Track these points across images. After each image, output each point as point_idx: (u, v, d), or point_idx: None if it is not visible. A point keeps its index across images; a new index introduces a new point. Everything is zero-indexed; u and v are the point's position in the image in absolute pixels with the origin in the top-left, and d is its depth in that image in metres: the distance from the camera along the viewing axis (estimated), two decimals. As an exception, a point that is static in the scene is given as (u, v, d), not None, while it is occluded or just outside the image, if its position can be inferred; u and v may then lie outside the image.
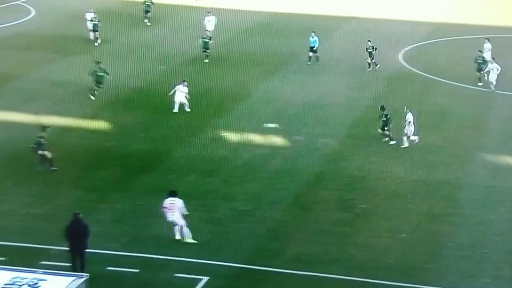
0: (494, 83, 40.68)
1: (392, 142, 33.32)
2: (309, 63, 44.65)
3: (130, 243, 24.62)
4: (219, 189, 28.99)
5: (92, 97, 37.54)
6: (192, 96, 38.68)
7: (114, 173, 29.96)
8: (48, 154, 29.49)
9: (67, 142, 32.65)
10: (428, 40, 51.42)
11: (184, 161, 31.44)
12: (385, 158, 32.03)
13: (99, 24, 47.37)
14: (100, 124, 34.91)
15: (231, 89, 40.54)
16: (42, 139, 29.62)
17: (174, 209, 24.42)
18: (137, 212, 26.82)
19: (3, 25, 50.43)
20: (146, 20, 52.92)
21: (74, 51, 45.44)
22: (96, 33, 47.35)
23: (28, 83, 39.99)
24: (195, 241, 24.49)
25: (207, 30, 47.21)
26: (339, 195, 28.84)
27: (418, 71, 39.80)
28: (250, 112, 37.03)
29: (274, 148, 33.10)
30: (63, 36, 48.84)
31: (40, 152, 29.42)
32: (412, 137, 33.36)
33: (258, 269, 23.40)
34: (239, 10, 58.53)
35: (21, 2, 56.97)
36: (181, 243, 24.46)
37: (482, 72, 41.53)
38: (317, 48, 44.82)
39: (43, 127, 30.36)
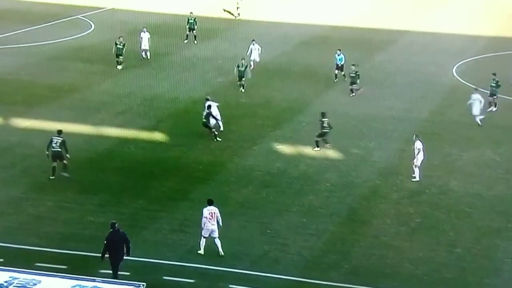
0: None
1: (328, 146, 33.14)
2: (335, 80, 43.64)
3: (187, 253, 24.61)
4: (276, 200, 28.84)
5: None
6: (250, 108, 38.79)
7: (173, 183, 30.03)
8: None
9: (129, 152, 32.91)
10: (483, 54, 50.64)
11: (242, 172, 31.38)
12: (443, 172, 31.52)
13: (147, 40, 47.20)
14: (160, 136, 35.09)
15: (289, 101, 40.42)
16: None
17: (214, 218, 24.37)
18: (195, 222, 26.74)
19: (66, 39, 51.17)
20: (194, 40, 51.61)
21: (134, 64, 45.85)
22: (147, 52, 47.29)
23: (91, 95, 40.43)
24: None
25: (251, 60, 44.80)
26: (396, 209, 28.44)
27: (473, 86, 39.17)
28: (307, 124, 36.81)
29: (330, 161, 32.81)
30: (128, 49, 49.24)
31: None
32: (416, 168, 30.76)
33: (314, 282, 23.16)
34: (297, 24, 58.55)
35: (81, 16, 57.79)
36: (236, 255, 24.37)
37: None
38: (343, 65, 43.85)
39: (59, 131, 30.48)
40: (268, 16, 60.87)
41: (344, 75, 43.49)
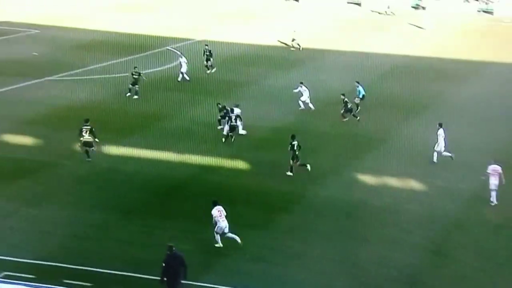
0: None
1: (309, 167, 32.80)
2: (357, 112, 42.34)
3: (269, 283, 23.97)
4: (356, 231, 27.99)
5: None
6: (330, 137, 38.10)
7: (254, 211, 29.56)
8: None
9: (210, 180, 32.65)
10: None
11: (321, 202, 30.66)
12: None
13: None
14: (242, 163, 34.75)
15: (371, 131, 39.58)
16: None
17: (223, 215, 26.12)
18: (277, 251, 26.26)
19: (156, 69, 51.61)
20: (208, 70, 51.17)
21: (219, 93, 45.84)
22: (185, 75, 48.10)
23: (177, 123, 40.50)
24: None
25: (301, 100, 43.12)
26: (480, 243, 27.18)
27: None
28: (389, 155, 35.86)
29: (413, 192, 31.79)
30: (214, 79, 49.59)
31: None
32: (445, 153, 33.71)
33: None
34: (376, 54, 57.80)
35: (170, 47, 58.40)
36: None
37: None
38: (363, 96, 43.01)
39: (86, 120, 34.09)
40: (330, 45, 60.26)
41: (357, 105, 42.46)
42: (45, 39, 61.12)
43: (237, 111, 38.41)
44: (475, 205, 30.38)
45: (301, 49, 59.23)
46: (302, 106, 42.98)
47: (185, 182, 32.40)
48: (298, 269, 24.88)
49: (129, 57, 54.11)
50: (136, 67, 46.04)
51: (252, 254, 26.08)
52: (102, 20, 71.06)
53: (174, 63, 52.90)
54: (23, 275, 23.57)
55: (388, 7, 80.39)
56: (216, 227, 26.17)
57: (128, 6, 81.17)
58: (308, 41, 61.73)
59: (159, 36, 62.36)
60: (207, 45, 53.08)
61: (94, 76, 48.94)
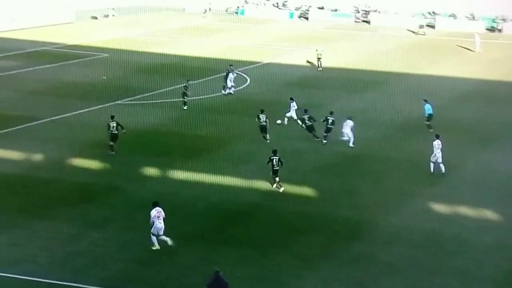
0: None
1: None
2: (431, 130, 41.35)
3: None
4: (426, 262, 26.78)
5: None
6: (401, 162, 36.99)
7: (319, 239, 28.64)
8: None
9: (273, 206, 31.92)
10: None
11: (390, 231, 29.52)
12: None
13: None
14: (307, 190, 33.86)
15: (444, 157, 38.26)
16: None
17: (161, 217, 27.03)
18: (342, 281, 25.27)
19: (220, 93, 51.28)
20: (224, 90, 50.92)
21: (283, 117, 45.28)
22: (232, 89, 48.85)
23: (241, 146, 39.95)
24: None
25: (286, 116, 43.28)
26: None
27: None
28: (462, 183, 34.51)
29: (485, 221, 30.42)
30: (280, 102, 48.95)
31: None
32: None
33: None
34: (447, 77, 56.52)
35: (238, 71, 58.21)
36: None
37: None
38: (430, 115, 42.00)
39: (112, 116, 38.01)
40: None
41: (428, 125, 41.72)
42: (114, 62, 61.70)
43: (349, 123, 39.50)
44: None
45: (320, 69, 59.34)
46: (285, 122, 43.26)
47: (247, 208, 31.73)
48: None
49: (197, 81, 54.04)
50: (189, 80, 47.87)
51: (315, 284, 25.11)
52: (172, 43, 71.57)
53: (242, 87, 52.63)
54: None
55: (421, 27, 79.72)
56: (153, 228, 27.01)
57: (195, 29, 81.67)
58: (377, 64, 60.83)
59: (225, 59, 62.30)
60: (231, 65, 53.15)
61: (163, 100, 48.93)
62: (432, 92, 50.29)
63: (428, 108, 42.51)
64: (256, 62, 62.28)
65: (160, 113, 46.22)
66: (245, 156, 38.19)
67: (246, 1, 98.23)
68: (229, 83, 51.33)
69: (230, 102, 49.41)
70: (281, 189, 33.28)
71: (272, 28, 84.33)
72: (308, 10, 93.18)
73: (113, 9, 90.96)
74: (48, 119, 44.04)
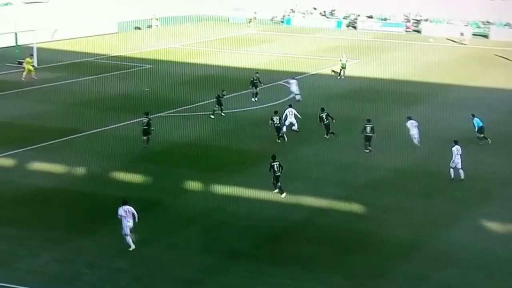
0: None
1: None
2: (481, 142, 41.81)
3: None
4: (482, 284, 26.47)
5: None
6: (453, 178, 36.53)
7: (370, 259, 28.43)
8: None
9: (322, 223, 31.80)
10: None
11: (444, 250, 29.18)
12: None
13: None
14: (356, 206, 33.67)
15: (498, 172, 37.82)
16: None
17: (129, 216, 28.10)
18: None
19: (268, 104, 51.39)
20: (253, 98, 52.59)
21: (338, 131, 45.10)
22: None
23: (286, 162, 39.70)
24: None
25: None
26: None
27: None
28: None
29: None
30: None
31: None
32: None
33: None
34: (498, 89, 55.83)
35: (283, 81, 58.24)
36: None
37: None
38: (480, 128, 41.87)
39: (147, 113, 42.00)
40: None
41: (479, 138, 41.95)
42: (157, 74, 62.27)
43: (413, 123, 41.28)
44: None
45: (341, 77, 60.05)
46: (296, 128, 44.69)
47: (295, 225, 31.64)
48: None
49: (240, 92, 54.23)
50: (224, 90, 48.87)
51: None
52: (215, 54, 71.98)
53: (286, 99, 52.63)
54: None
55: (462, 34, 79.14)
56: (123, 228, 28.19)
57: (240, 39, 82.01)
58: (428, 75, 60.32)
59: (270, 70, 62.48)
60: (257, 73, 54.05)
61: (206, 112, 49.16)
62: (486, 105, 49.76)
63: (477, 122, 42.19)
64: (302, 73, 62.23)
65: (204, 126, 46.44)
66: (291, 172, 37.99)
67: (292, 10, 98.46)
68: (294, 90, 52.75)
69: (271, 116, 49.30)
70: (283, 195, 33.93)
71: (319, 38, 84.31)
72: (356, 19, 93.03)
73: (156, 19, 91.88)
74: (90, 132, 44.57)
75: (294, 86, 52.91)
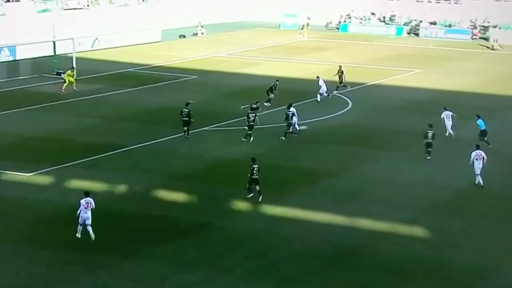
0: None
1: None
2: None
3: None
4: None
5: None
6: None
7: (433, 287, 27.96)
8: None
9: (381, 248, 31.45)
10: None
11: (516, 279, 28.67)
12: None
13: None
14: (420, 231, 33.23)
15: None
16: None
17: (89, 207, 31.28)
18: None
19: (319, 118, 51.21)
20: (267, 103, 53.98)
21: (396, 147, 44.72)
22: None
23: (344, 180, 39.64)
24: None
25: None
26: None
27: None
28: None
29: None
30: (385, 130, 48.55)
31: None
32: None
33: None
34: None
35: (336, 92, 58.05)
36: None
37: None
38: (482, 132, 43.41)
39: (187, 103, 47.14)
40: None
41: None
42: (203, 85, 62.65)
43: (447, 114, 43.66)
44: None
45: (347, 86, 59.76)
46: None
47: (350, 250, 31.36)
48: None
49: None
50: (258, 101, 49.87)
51: None
52: (265, 63, 72.14)
53: (342, 111, 52.44)
54: None
55: (495, 41, 77.97)
56: (79, 218, 31.05)
57: (291, 47, 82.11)
58: (496, 87, 59.57)
59: (328, 81, 62.31)
60: (278, 81, 55.78)
61: (255, 126, 49.18)
62: None
63: (481, 124, 43.69)
64: (359, 84, 62.00)
65: (255, 141, 46.40)
66: (347, 191, 37.84)
67: (348, 16, 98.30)
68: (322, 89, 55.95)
69: (328, 129, 49.23)
70: (260, 198, 35.77)
71: (378, 46, 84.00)
72: (418, 26, 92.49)
73: (202, 26, 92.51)
74: (133, 147, 44.91)
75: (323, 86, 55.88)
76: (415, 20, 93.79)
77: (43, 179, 39.27)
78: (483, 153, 38.25)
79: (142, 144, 45.15)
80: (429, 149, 42.21)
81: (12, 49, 72.24)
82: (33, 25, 76.55)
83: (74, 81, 59.83)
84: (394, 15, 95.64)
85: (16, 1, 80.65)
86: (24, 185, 38.26)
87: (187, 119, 45.92)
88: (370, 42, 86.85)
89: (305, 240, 32.13)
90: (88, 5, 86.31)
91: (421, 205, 36.20)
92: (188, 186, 38.49)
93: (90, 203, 31.43)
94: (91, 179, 38.88)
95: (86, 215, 31.19)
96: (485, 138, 44.02)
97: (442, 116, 46.06)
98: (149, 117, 51.82)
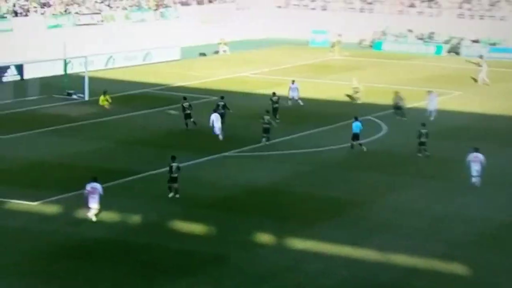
0: None
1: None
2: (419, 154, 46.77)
3: None
4: None
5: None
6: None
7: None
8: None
9: (416, 285, 31.36)
10: None
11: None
12: None
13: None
14: (457, 267, 33.08)
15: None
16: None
17: (95, 193, 34.89)
18: None
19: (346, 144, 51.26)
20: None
21: (428, 174, 44.59)
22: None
23: (374, 211, 39.60)
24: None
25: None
26: None
27: None
28: None
29: None
30: (418, 156, 48.54)
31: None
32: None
33: None
34: None
35: (372, 116, 58.09)
36: None
37: None
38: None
39: (184, 97, 54.85)
40: None
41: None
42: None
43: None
44: None
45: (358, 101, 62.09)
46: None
47: None
48: None
49: (317, 129, 54.36)
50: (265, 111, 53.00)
51: None
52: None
53: (376, 136, 52.44)
54: None
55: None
56: (88, 203, 35.32)
57: (320, 67, 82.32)
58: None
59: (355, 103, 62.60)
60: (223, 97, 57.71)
61: (280, 152, 49.34)
62: None
63: (356, 126, 46.99)
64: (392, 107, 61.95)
65: (276, 168, 46.55)
66: (380, 223, 37.78)
67: (384, 33, 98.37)
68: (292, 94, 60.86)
69: (360, 155, 49.21)
70: (177, 196, 39.66)
71: (415, 65, 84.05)
72: (459, 44, 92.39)
73: (225, 44, 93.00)
74: (147, 174, 45.16)
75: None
76: (456, 38, 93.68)
77: (51, 208, 39.47)
78: (480, 156, 40.16)
79: (156, 171, 45.25)
80: (423, 147, 47.00)
81: (19, 67, 72.80)
82: (42, 41, 77.34)
83: (108, 104, 60.87)
84: (433, 33, 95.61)
85: (24, 15, 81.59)
86: (27, 214, 38.52)
87: (189, 112, 54.24)
88: (407, 61, 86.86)
89: (333, 277, 32.08)
90: (102, 21, 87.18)
91: (458, 237, 36.08)
92: (207, 215, 38.61)
93: (96, 188, 34.28)
94: (102, 208, 39.07)
95: (93, 200, 35.53)
96: (358, 142, 48.66)
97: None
98: (164, 141, 52.09)
